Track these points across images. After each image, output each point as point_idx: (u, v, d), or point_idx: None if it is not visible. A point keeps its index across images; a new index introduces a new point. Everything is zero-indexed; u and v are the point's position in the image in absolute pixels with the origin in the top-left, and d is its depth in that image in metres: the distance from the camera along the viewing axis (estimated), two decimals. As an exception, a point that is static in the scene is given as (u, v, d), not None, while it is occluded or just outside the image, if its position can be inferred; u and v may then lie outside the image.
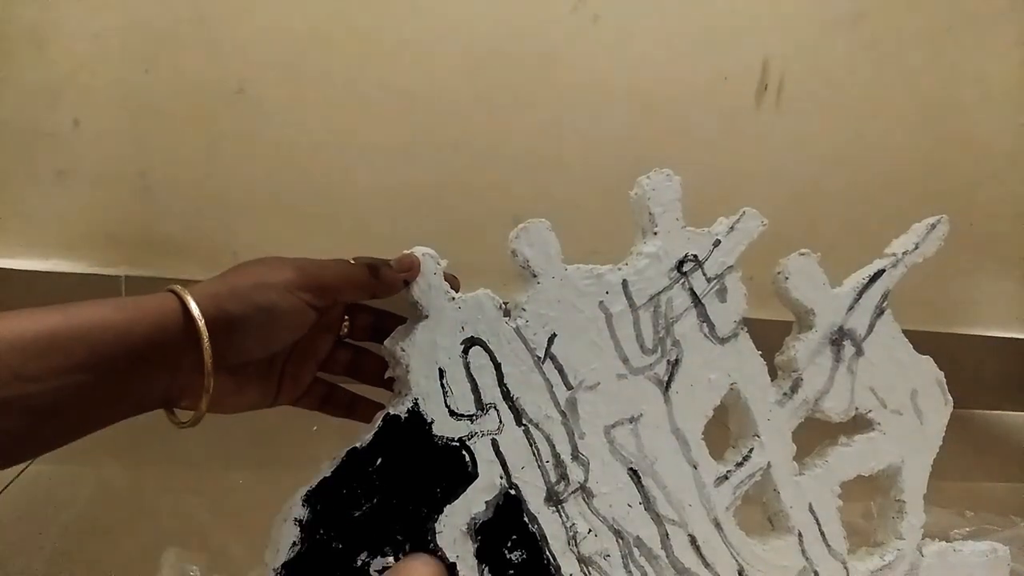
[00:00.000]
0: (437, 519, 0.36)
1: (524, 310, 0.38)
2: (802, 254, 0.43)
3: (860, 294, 0.45)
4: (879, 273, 0.45)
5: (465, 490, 0.37)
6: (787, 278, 0.43)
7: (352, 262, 0.36)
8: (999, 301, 0.99)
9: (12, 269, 0.78)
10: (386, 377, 0.39)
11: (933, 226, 0.46)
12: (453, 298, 0.37)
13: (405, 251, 0.37)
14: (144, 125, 0.79)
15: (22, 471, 0.54)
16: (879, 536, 0.47)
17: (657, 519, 0.40)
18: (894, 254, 0.46)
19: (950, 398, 0.46)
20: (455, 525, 0.37)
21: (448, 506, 0.37)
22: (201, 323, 0.30)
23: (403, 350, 0.36)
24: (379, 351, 0.38)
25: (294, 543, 0.35)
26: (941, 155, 0.98)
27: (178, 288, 0.31)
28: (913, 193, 0.97)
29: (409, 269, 0.36)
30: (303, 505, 0.35)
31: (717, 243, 0.42)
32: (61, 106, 0.77)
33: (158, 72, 0.78)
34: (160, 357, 0.30)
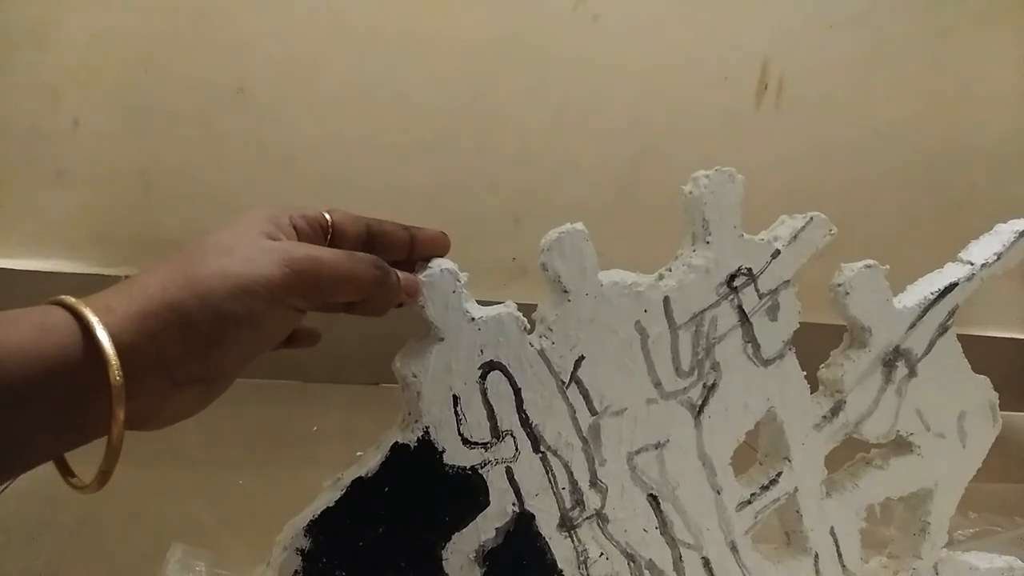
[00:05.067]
0: (444, 546, 0.35)
1: (551, 330, 0.34)
2: (868, 266, 0.38)
3: (925, 311, 0.39)
4: (950, 287, 0.39)
5: (475, 518, 0.35)
6: (848, 292, 0.38)
7: (355, 255, 0.29)
8: (999, 301, 0.99)
9: (12, 269, 0.77)
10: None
11: (1021, 233, 0.40)
12: (473, 319, 0.33)
13: (421, 262, 0.33)
14: (144, 125, 0.78)
15: (22, 471, 0.54)
16: (895, 549, 0.45)
17: (672, 543, 0.38)
18: (970, 263, 0.40)
19: (1000, 420, 0.43)
20: (463, 552, 0.35)
21: (457, 534, 0.35)
22: (118, 377, 0.23)
23: (415, 375, 0.33)
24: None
25: (296, 571, 0.33)
26: (941, 155, 0.97)
27: (86, 312, 0.24)
28: (913, 193, 0.96)
29: (412, 295, 0.31)
30: (305, 535, 0.33)
31: (776, 254, 0.36)
32: (61, 106, 0.76)
33: (158, 72, 0.77)
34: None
